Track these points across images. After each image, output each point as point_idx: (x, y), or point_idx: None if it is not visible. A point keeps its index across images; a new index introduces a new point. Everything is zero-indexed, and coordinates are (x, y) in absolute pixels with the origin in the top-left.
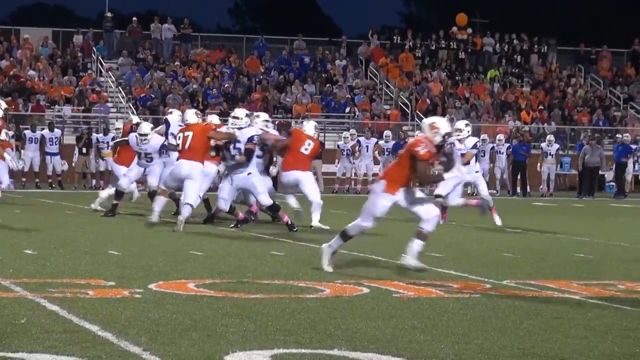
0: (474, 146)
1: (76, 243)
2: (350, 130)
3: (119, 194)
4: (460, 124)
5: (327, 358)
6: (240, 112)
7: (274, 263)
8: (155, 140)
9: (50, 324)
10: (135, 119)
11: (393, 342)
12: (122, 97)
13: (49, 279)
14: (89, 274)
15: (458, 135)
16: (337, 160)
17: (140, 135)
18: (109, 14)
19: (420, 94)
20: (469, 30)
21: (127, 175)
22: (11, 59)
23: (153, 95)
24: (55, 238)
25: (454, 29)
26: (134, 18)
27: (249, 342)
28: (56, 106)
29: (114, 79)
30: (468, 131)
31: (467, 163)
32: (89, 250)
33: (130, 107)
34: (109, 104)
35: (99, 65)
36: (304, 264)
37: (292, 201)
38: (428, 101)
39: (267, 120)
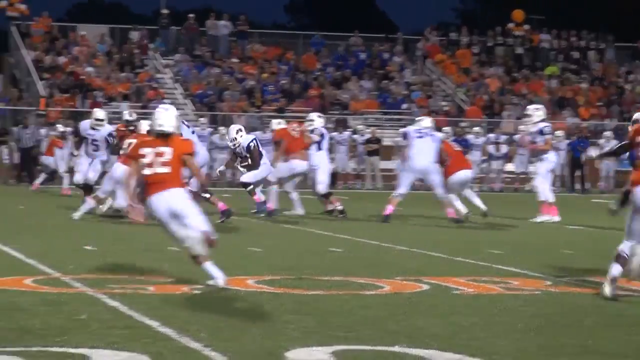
0: (541, 132)
1: (135, 239)
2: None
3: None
4: (530, 108)
5: (388, 355)
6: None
7: (333, 259)
8: (106, 130)
9: (111, 320)
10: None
11: (453, 339)
12: (180, 94)
13: (109, 275)
14: (149, 270)
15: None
16: (394, 157)
17: (97, 120)
18: (165, 11)
19: (477, 90)
20: (526, 27)
21: (81, 171)
22: (69, 55)
23: (210, 92)
24: (115, 234)
25: (511, 25)
26: (190, 14)
27: (309, 338)
28: (113, 103)
29: (171, 75)
30: (538, 115)
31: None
32: (149, 247)
33: (188, 104)
34: (166, 101)
35: (155, 61)
36: (363, 261)
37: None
38: (485, 98)
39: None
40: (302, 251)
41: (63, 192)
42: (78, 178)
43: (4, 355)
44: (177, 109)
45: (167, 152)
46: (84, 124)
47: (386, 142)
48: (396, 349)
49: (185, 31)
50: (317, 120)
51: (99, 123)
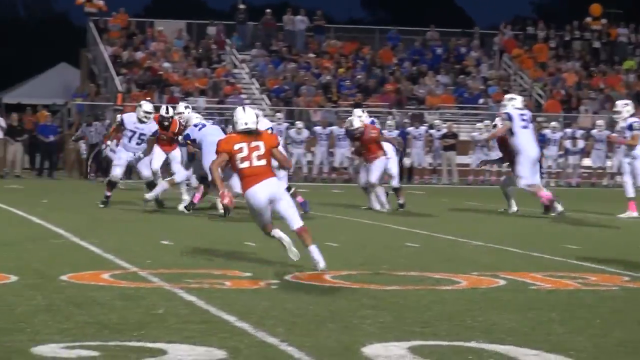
0: (631, 127)
1: (212, 234)
2: (485, 122)
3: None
4: (619, 104)
5: (464, 350)
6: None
7: (409, 254)
8: (154, 125)
9: (187, 315)
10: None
11: (530, 335)
12: (256, 89)
13: (185, 269)
14: (225, 265)
15: (617, 116)
16: (471, 152)
17: (145, 112)
18: (242, 6)
19: (554, 85)
20: (603, 21)
21: (120, 165)
22: (146, 50)
23: (286, 87)
24: (191, 229)
25: (588, 19)
26: (268, 10)
27: (385, 333)
28: (190, 98)
29: (247, 70)
30: (627, 111)
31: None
32: (225, 241)
33: (264, 99)
34: (243, 96)
35: (232, 57)
36: (440, 255)
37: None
38: (562, 92)
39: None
40: (378, 246)
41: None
42: (117, 173)
43: (82, 350)
44: (253, 104)
45: (261, 146)
46: (129, 117)
47: (463, 137)
48: (472, 344)
49: (262, 26)
50: (363, 115)
51: (147, 115)
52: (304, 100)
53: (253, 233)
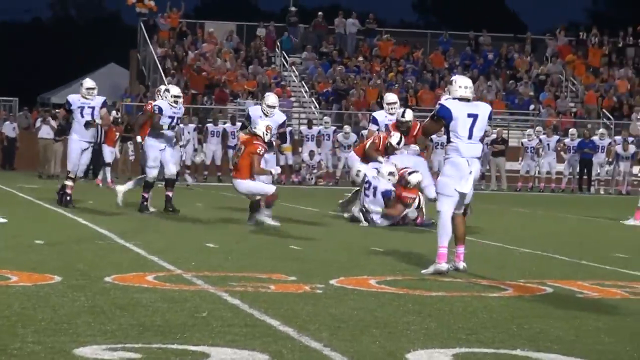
0: None
1: (257, 237)
2: (537, 128)
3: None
4: None
5: (509, 358)
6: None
7: None
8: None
9: (231, 318)
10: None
11: (577, 344)
12: (305, 92)
13: (230, 272)
14: (270, 269)
15: None
16: (520, 158)
17: (175, 97)
18: (293, 8)
19: (607, 91)
20: None
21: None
22: (196, 51)
23: (335, 90)
24: (236, 232)
25: None
26: (319, 12)
27: (430, 340)
28: (238, 99)
29: (297, 73)
30: None
31: None
32: (270, 245)
33: (313, 102)
34: (292, 99)
35: (282, 59)
36: (486, 262)
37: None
38: (614, 99)
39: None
40: (424, 252)
41: (98, 181)
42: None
43: (125, 352)
44: (302, 107)
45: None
46: (163, 103)
47: (512, 143)
48: (518, 352)
49: (313, 29)
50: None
51: (177, 100)
52: (352, 104)
53: (297, 236)
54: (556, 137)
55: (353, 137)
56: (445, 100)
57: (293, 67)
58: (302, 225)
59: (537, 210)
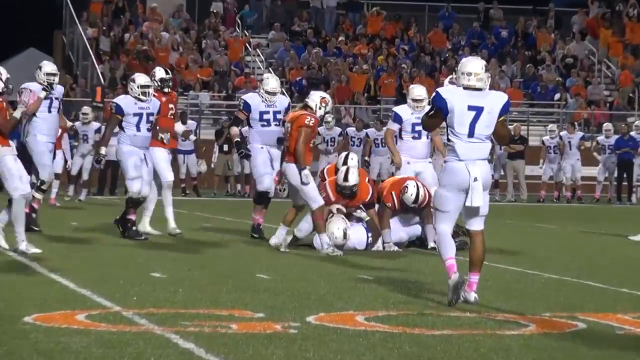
0: None
1: (216, 264)
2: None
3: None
4: None
5: None
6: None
7: None
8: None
9: None
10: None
11: None
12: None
13: (182, 309)
14: (232, 303)
15: None
16: (541, 161)
17: (142, 87)
18: None
19: None
20: None
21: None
22: (135, 33)
23: (312, 79)
24: (190, 258)
25: None
26: None
27: None
28: (190, 92)
29: (262, 57)
30: None
31: None
32: (233, 274)
33: (284, 94)
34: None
35: (244, 40)
36: (502, 292)
37: None
38: None
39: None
40: (425, 280)
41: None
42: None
43: None
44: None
45: None
46: (125, 99)
47: (533, 141)
48: None
49: (282, 2)
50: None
51: (145, 91)
52: (333, 95)
53: (266, 263)
54: (579, 134)
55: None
56: (443, 88)
57: (258, 50)
58: (271, 248)
59: (565, 225)
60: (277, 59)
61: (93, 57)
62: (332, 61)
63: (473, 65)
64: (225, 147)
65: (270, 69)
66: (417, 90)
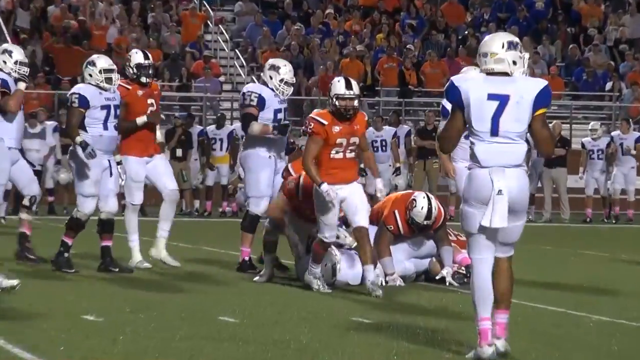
0: None
1: (167, 304)
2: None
3: None
4: None
5: None
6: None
7: None
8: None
9: None
10: None
11: None
12: (241, 66)
13: None
14: (186, 355)
15: None
16: (581, 169)
17: (105, 71)
18: None
19: None
20: None
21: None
22: (62, 4)
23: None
24: (133, 295)
25: None
26: None
27: None
28: None
29: (227, 36)
30: None
31: None
32: (188, 316)
33: (255, 81)
34: (221, 78)
35: (203, 14)
36: (540, 337)
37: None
38: None
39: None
40: (438, 324)
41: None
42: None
43: None
44: (237, 90)
45: None
46: (88, 89)
47: (577, 143)
48: None
49: None
50: None
51: (109, 77)
52: (319, 86)
53: (231, 302)
54: (635, 135)
55: None
56: (459, 75)
57: (221, 26)
58: (239, 282)
59: (618, 252)
60: (245, 38)
61: (8, 35)
62: (317, 41)
63: (490, 43)
64: (179, 152)
65: (237, 50)
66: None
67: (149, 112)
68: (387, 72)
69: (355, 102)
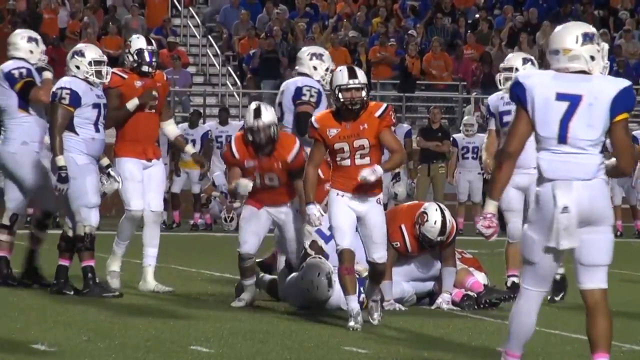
0: None
1: (130, 331)
2: None
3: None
4: None
5: None
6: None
7: None
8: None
9: None
10: None
11: None
12: (214, 56)
13: None
14: None
15: None
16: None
17: (96, 63)
18: None
19: None
20: None
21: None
22: None
23: (269, 52)
24: (90, 321)
25: None
26: None
27: None
28: None
29: (198, 20)
30: None
31: None
32: (155, 345)
33: (231, 74)
34: (191, 69)
35: None
36: None
37: None
38: None
39: None
40: (444, 356)
41: None
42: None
43: None
44: (210, 83)
45: None
46: (77, 84)
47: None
48: None
49: None
50: None
51: (100, 70)
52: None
53: (206, 328)
54: None
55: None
56: (525, 71)
57: (191, 9)
58: (215, 305)
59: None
60: (219, 23)
61: None
62: (304, 26)
63: (561, 38)
64: None
65: (210, 37)
66: (513, 60)
67: (150, 104)
68: (383, 62)
69: (363, 93)
